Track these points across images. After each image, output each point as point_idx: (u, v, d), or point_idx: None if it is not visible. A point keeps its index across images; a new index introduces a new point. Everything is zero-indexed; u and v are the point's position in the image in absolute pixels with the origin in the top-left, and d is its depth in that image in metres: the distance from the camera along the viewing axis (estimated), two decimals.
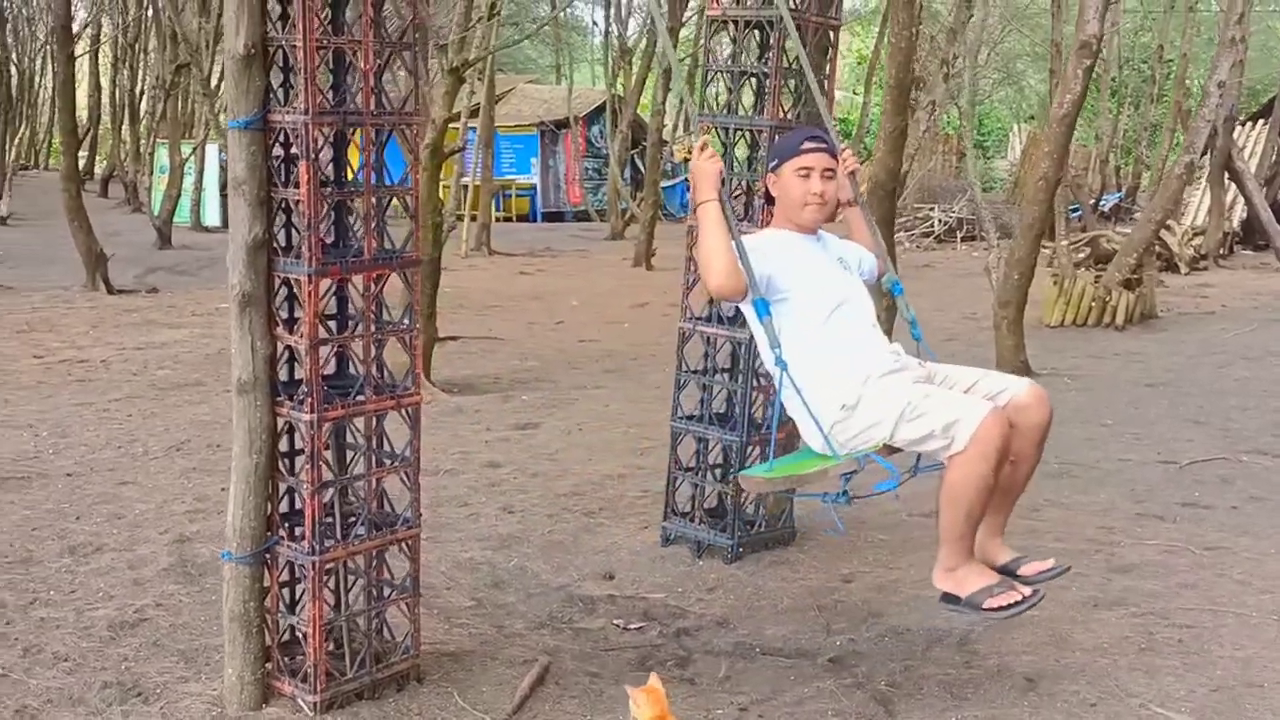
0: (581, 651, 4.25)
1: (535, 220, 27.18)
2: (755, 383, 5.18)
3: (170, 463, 6.74)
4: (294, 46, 3.35)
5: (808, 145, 3.84)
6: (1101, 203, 23.86)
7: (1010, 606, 3.53)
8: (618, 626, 4.51)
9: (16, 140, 27.91)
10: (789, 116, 5.07)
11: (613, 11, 23.20)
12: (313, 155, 3.35)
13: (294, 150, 3.47)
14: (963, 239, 20.41)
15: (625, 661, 4.18)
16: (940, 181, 22.34)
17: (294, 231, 3.57)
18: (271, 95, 3.48)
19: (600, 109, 26.08)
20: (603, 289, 15.41)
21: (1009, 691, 3.88)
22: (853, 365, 3.66)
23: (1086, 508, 5.89)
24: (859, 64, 31.72)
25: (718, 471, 5.37)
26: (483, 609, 4.65)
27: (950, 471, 3.50)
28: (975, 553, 3.64)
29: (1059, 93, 8.84)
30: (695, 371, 5.32)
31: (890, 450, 3.62)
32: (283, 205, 3.53)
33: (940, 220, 21.16)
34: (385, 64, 3.61)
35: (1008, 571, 3.69)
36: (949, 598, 3.64)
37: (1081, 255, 15.09)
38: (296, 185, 3.43)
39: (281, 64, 3.53)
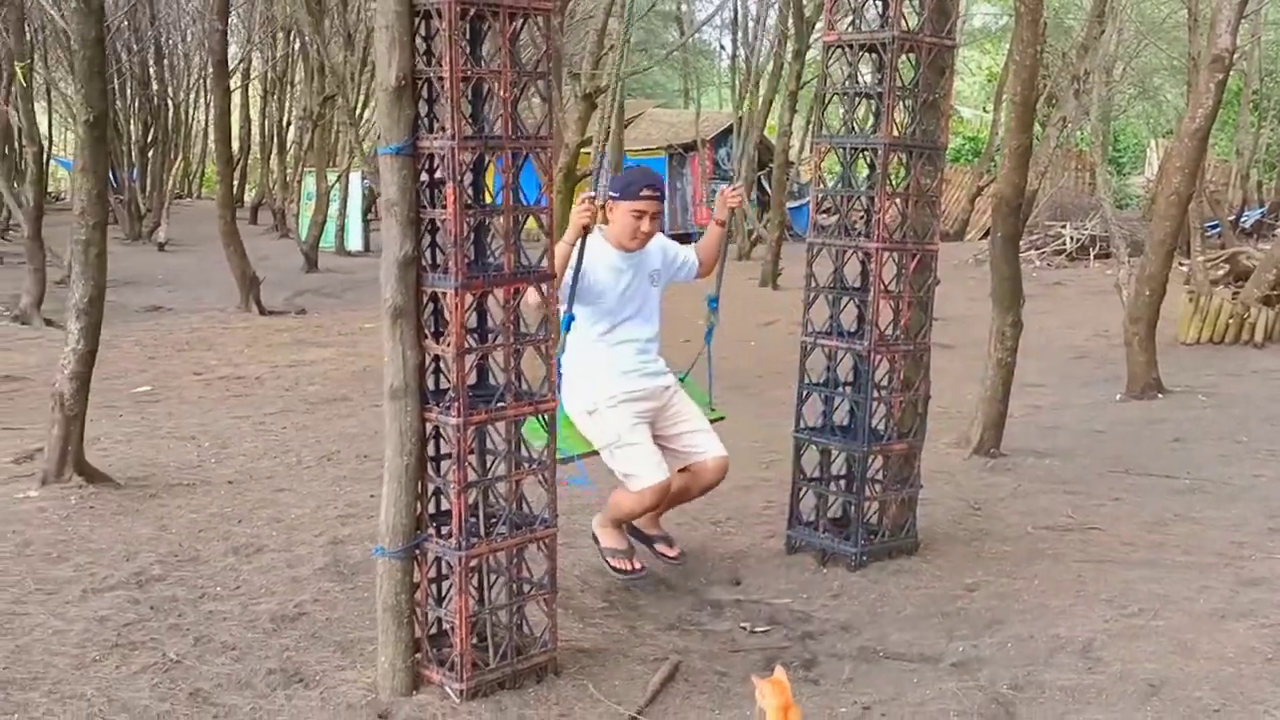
0: (710, 652, 4.42)
1: None
2: (876, 394, 5.30)
3: (322, 471, 7.14)
4: (440, 78, 3.63)
5: (645, 193, 4.78)
6: (1242, 219, 23.05)
7: (625, 572, 4.93)
8: (744, 629, 4.67)
9: (174, 170, 29.44)
10: (905, 134, 5.20)
11: (740, 36, 23.41)
12: (458, 178, 3.61)
13: (439, 174, 3.74)
14: (1095, 256, 19.96)
15: (752, 662, 4.33)
16: (1073, 199, 21.89)
17: (438, 250, 3.84)
18: (419, 123, 3.77)
19: (727, 131, 26.29)
20: (729, 308, 15.48)
21: (1131, 696, 3.90)
22: (603, 382, 4.79)
23: (1217, 522, 5.82)
24: (989, 81, 31.28)
25: (841, 482, 5.49)
26: (615, 610, 4.85)
27: (620, 491, 4.85)
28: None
29: (1191, 107, 8.68)
30: (817, 384, 5.45)
31: (595, 454, 4.83)
32: (429, 225, 3.81)
33: (1072, 238, 20.72)
34: (521, 92, 3.87)
35: (647, 541, 5.10)
36: (594, 538, 5.06)
37: (1220, 272, 14.66)
38: (443, 206, 3.70)
39: (427, 95, 3.80)
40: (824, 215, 5.88)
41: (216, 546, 5.65)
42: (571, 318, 4.72)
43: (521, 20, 3.78)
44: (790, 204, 22.96)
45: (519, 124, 3.82)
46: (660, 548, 5.10)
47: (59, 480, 6.57)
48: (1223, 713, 3.77)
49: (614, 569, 4.95)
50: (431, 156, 3.73)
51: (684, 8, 30.97)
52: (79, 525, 5.96)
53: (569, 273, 4.59)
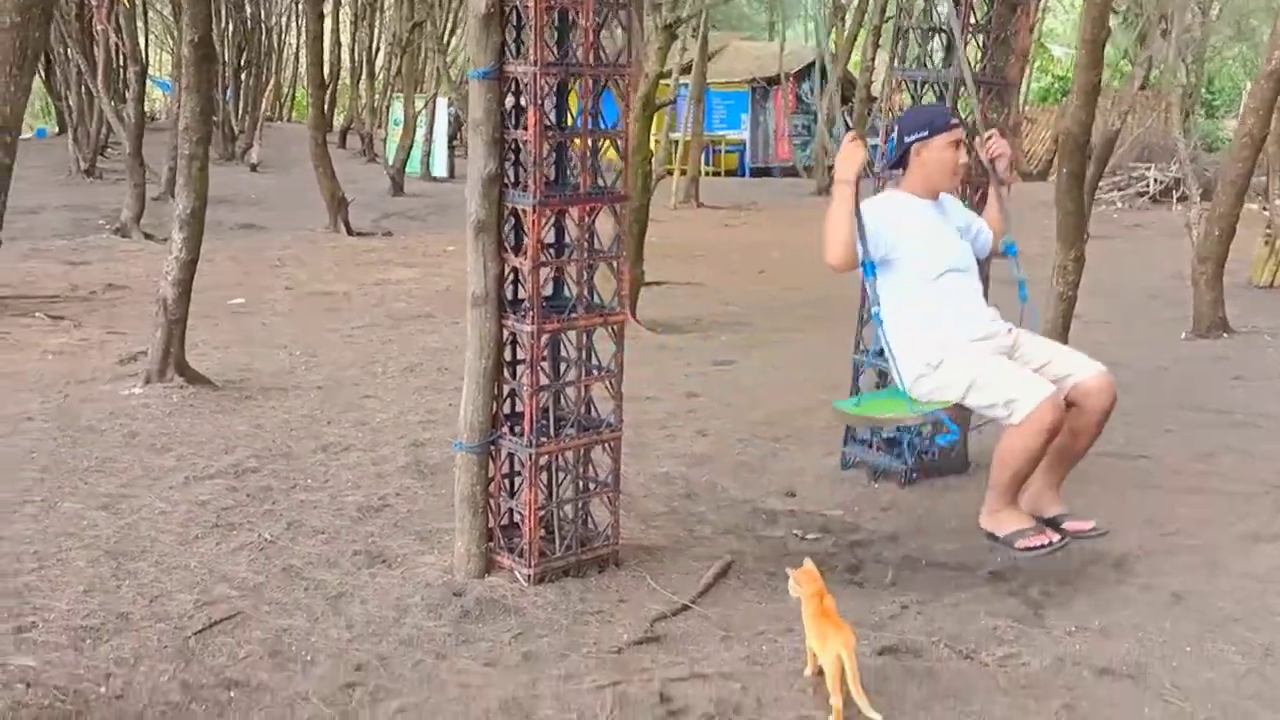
0: (762, 554, 4.73)
1: (743, 175, 27.48)
2: None
3: (405, 381, 7.55)
4: (526, 6, 3.89)
5: (955, 122, 4.35)
6: None
7: (1038, 548, 4.12)
8: (796, 536, 4.97)
9: (266, 94, 29.97)
10: (974, 70, 5.33)
11: None
12: (539, 102, 3.88)
13: (523, 98, 4.01)
14: (1178, 199, 19.67)
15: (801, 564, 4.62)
16: (1159, 140, 21.46)
17: (520, 169, 4.13)
18: (505, 50, 4.03)
19: (811, 66, 26.10)
20: (805, 241, 15.53)
21: (1155, 604, 4.15)
22: (942, 329, 4.15)
23: (1265, 455, 5.95)
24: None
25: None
26: (675, 515, 5.18)
27: (1006, 437, 4.06)
28: (1028, 503, 4.24)
29: (1269, 48, 8.62)
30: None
31: (959, 409, 4.17)
32: (512, 146, 4.09)
33: (1156, 180, 20.37)
34: (604, 21, 4.11)
35: (1053, 523, 4.23)
36: (990, 536, 4.23)
37: None
38: (525, 128, 3.98)
39: (514, 22, 4.05)
40: None
41: (307, 444, 6.07)
42: (873, 264, 4.16)
43: None
44: (872, 140, 22.86)
45: (600, 52, 4.06)
46: (1071, 525, 4.26)
47: (161, 380, 7.06)
48: (1241, 622, 3.98)
49: (1029, 549, 4.13)
50: (516, 81, 4.00)
51: None
52: (180, 421, 6.43)
53: (849, 242, 4.09)
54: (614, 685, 3.55)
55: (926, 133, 4.30)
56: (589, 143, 4.10)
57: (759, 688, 3.57)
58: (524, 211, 4.04)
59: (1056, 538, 4.12)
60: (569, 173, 4.24)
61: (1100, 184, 17.07)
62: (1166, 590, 4.27)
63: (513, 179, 4.12)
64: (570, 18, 4.08)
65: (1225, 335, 9.19)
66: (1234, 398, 7.28)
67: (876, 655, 3.73)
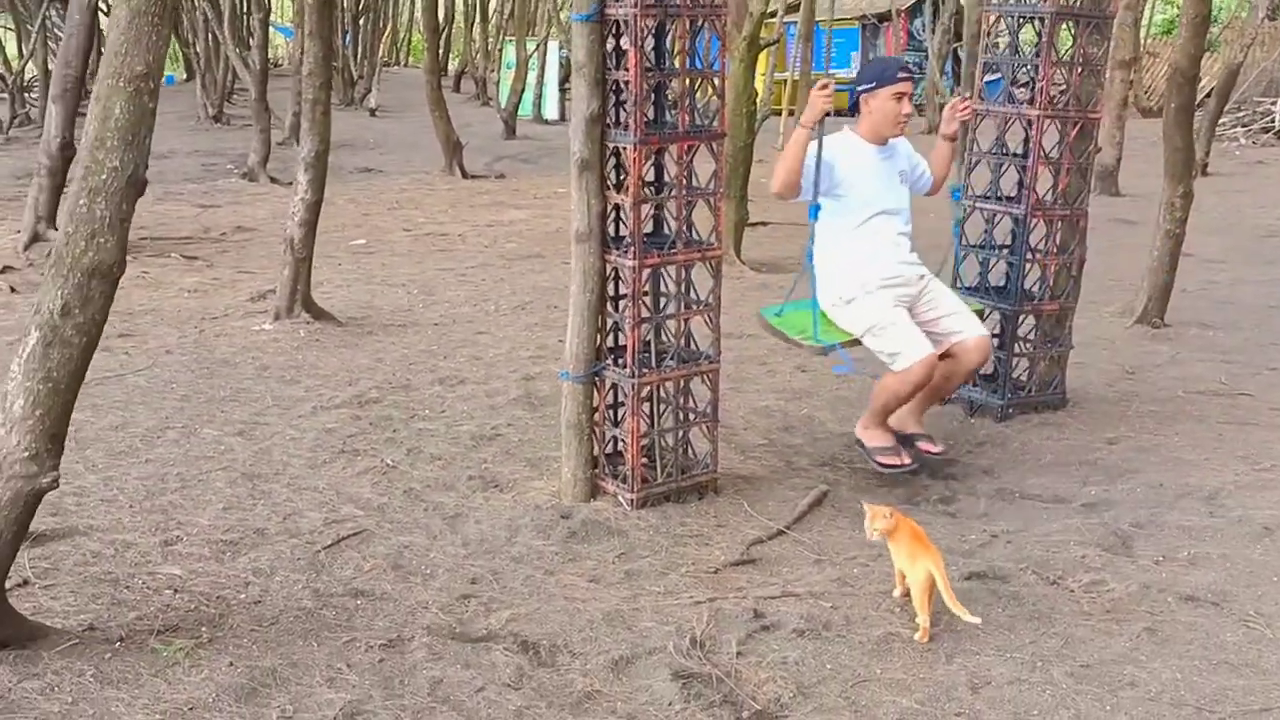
0: (856, 485, 4.87)
1: (854, 115, 27.03)
2: (1030, 256, 5.53)
3: (516, 318, 7.81)
4: None
5: (902, 75, 4.73)
6: None
7: (894, 467, 4.76)
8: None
9: (383, 39, 30.45)
10: (1072, 3, 5.30)
11: None
12: (639, 43, 4.03)
13: (623, 39, 4.16)
14: None
15: (895, 496, 4.76)
16: None
17: (621, 109, 4.28)
18: None
19: (922, 2, 25.53)
20: None
21: (1243, 536, 4.21)
22: (860, 269, 4.73)
23: None
24: None
25: (995, 340, 5.77)
26: (773, 447, 5.34)
27: (886, 376, 4.71)
28: (896, 420, 4.89)
29: None
30: (975, 246, 5.72)
31: (855, 343, 4.76)
32: (613, 86, 4.25)
33: None
34: None
35: (908, 440, 4.88)
36: (859, 443, 4.88)
37: None
38: (625, 69, 4.13)
39: None
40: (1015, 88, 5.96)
41: (424, 377, 6.37)
42: (818, 207, 4.67)
43: None
44: (987, 77, 22.33)
45: None
46: (923, 445, 4.90)
47: (289, 316, 7.43)
48: None
49: (882, 466, 4.76)
50: (617, 23, 4.15)
51: None
52: (307, 354, 6.79)
53: (809, 159, 4.56)
54: (710, 601, 3.76)
55: (875, 84, 4.74)
56: (686, 82, 4.23)
57: (848, 607, 3.74)
58: (625, 150, 4.21)
59: (908, 461, 4.77)
60: (668, 111, 4.38)
61: (1222, 120, 16.52)
62: (1257, 523, 4.32)
63: (614, 118, 4.27)
64: None
65: None
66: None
67: (964, 580, 3.87)
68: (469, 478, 4.89)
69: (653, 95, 4.28)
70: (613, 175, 4.33)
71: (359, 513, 4.52)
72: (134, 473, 4.86)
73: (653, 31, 4.17)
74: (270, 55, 30.96)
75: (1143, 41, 19.29)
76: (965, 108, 5.04)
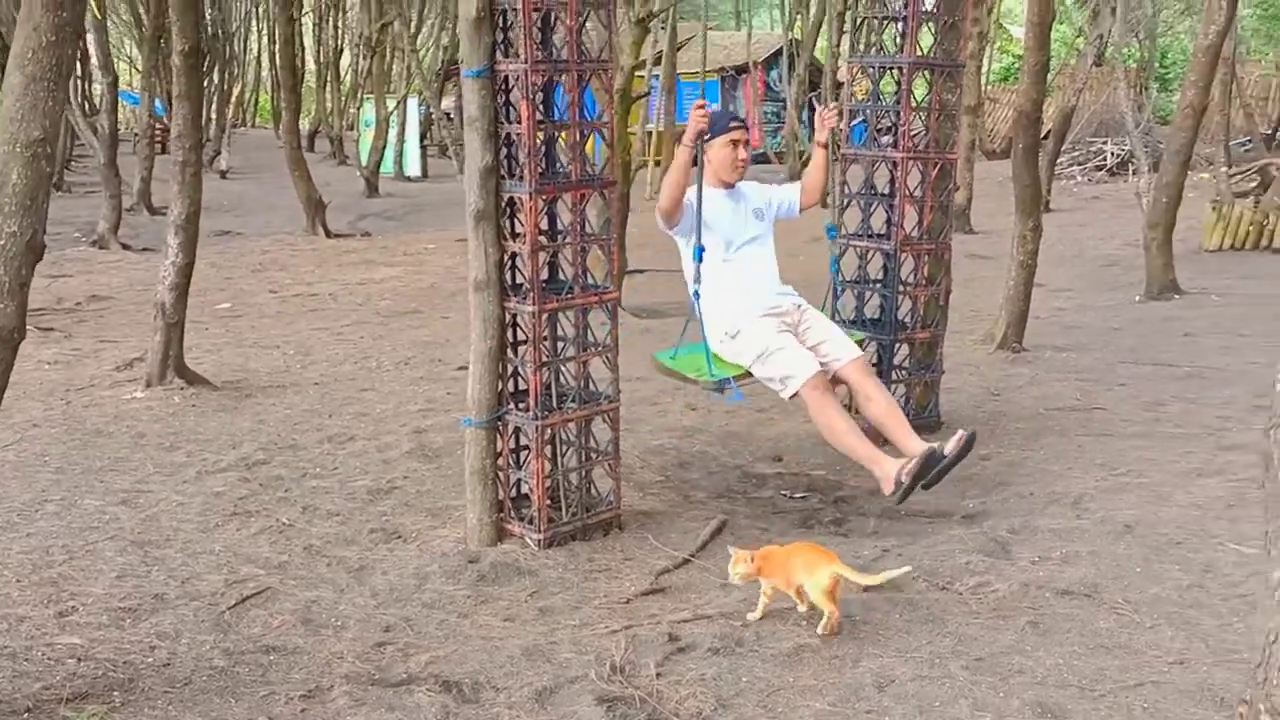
0: (753, 513, 5.06)
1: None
2: (901, 288, 5.85)
3: (400, 374, 7.81)
4: (514, 8, 4.17)
5: (734, 124, 5.06)
6: None
7: (929, 461, 4.55)
8: (785, 496, 5.30)
9: (231, 99, 29.94)
10: (927, 54, 5.69)
11: None
12: (531, 97, 4.17)
13: (514, 93, 4.30)
14: (1133, 171, 20.24)
15: (790, 521, 4.95)
16: (1114, 115, 21.95)
17: (514, 160, 4.41)
18: (496, 49, 4.31)
19: (778, 53, 26.42)
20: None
21: (1108, 534, 4.57)
22: (741, 303, 4.95)
23: (1209, 402, 6.40)
24: None
25: (875, 368, 6.03)
26: (670, 482, 5.48)
27: (811, 416, 4.81)
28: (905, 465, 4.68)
29: (1204, 24, 9.09)
30: (851, 281, 6.01)
31: (748, 375, 4.91)
32: (506, 138, 4.37)
33: (1113, 153, 20.89)
34: (585, 20, 4.40)
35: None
36: (896, 492, 4.61)
37: (1252, 185, 14.96)
38: (517, 121, 4.26)
39: (503, 23, 4.33)
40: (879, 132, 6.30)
41: (312, 436, 6.32)
42: (702, 249, 4.88)
43: None
44: (852, 122, 23.15)
45: (584, 49, 4.35)
46: (950, 447, 4.60)
47: (162, 383, 7.28)
48: (1184, 545, 4.43)
49: (919, 469, 4.54)
50: (508, 78, 4.28)
51: None
52: (185, 420, 6.67)
53: (690, 198, 4.81)
54: (626, 629, 3.87)
55: (710, 135, 4.97)
56: (577, 133, 4.39)
57: (758, 624, 3.89)
58: (520, 199, 4.33)
59: (920, 449, 4.58)
60: (559, 162, 4.53)
61: (1060, 159, 17.55)
62: (1119, 522, 4.69)
63: (508, 170, 4.40)
64: (554, 18, 4.36)
65: (1176, 297, 9.69)
66: (1182, 352, 7.75)
67: (862, 592, 4.07)
68: (370, 531, 4.89)
69: (544, 147, 4.42)
70: (509, 224, 4.44)
71: (260, 572, 4.48)
72: (15, 547, 4.70)
73: (542, 86, 4.31)
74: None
75: (984, 88, 20.33)
76: (831, 113, 5.36)
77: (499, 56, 4.28)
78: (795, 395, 4.80)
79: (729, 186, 5.12)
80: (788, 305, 5.08)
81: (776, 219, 5.36)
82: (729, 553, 3.96)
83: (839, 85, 20.34)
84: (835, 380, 4.97)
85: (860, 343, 6.01)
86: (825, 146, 5.40)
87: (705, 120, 4.75)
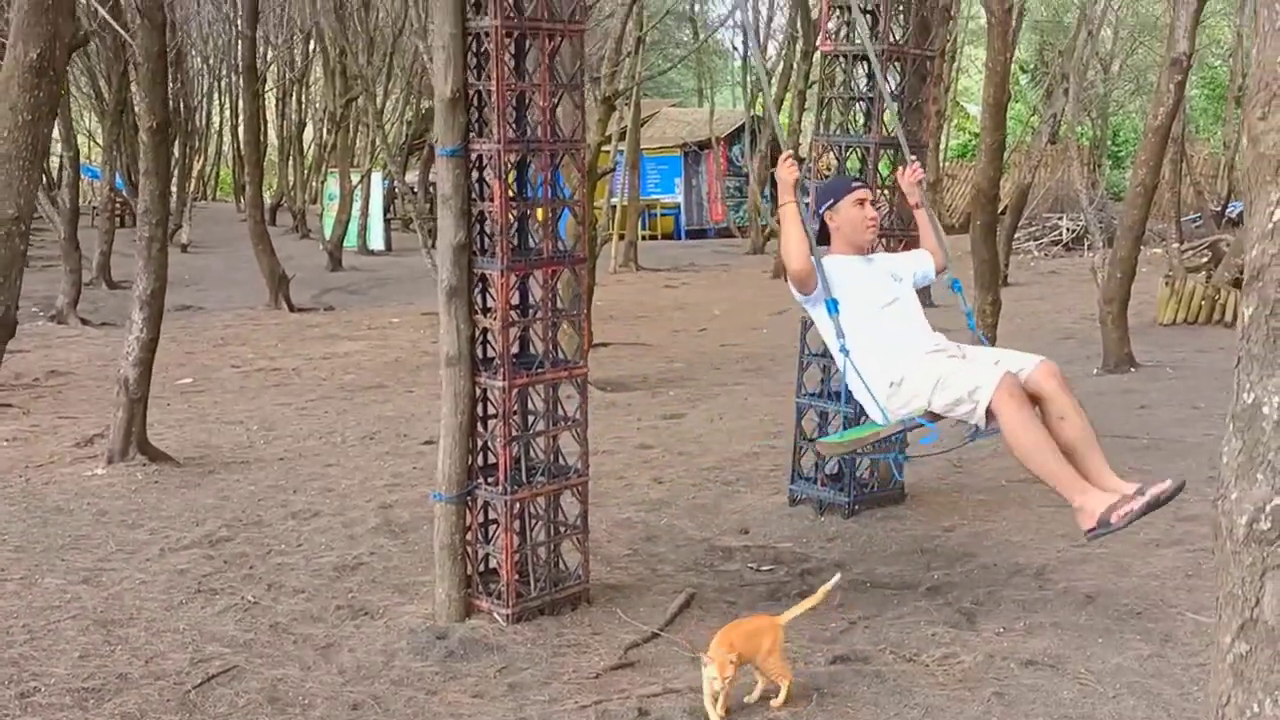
0: (721, 586, 5.07)
1: (680, 238, 28.07)
2: None
3: (366, 449, 7.78)
4: (489, 90, 4.26)
5: (856, 184, 4.76)
6: (1228, 209, 23.60)
7: (1133, 510, 3.94)
8: (752, 569, 5.32)
9: (193, 173, 29.92)
10: (891, 134, 5.85)
11: (750, 35, 24.10)
12: (503, 176, 4.25)
13: (487, 172, 4.38)
14: (1089, 247, 20.77)
15: (758, 594, 4.97)
16: (1069, 191, 22.57)
17: (486, 237, 4.47)
18: (470, 128, 4.39)
19: (740, 130, 26.87)
20: (743, 299, 16.21)
21: (1070, 605, 4.65)
22: (899, 350, 4.40)
23: (1166, 473, 6.39)
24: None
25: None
26: (638, 556, 5.49)
27: (1008, 443, 4.10)
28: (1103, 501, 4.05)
29: (1153, 105, 9.41)
30: (816, 354, 6.10)
31: (933, 415, 4.31)
32: (479, 216, 4.44)
33: (1068, 229, 21.41)
34: (558, 101, 4.50)
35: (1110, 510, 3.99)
36: (1093, 532, 4.02)
37: (1203, 259, 15.37)
38: (490, 199, 4.34)
39: (477, 104, 4.42)
40: None
41: (276, 512, 6.28)
42: (835, 300, 4.40)
43: (560, 39, 4.40)
44: (804, 200, 23.49)
45: (556, 128, 4.45)
46: (1152, 491, 3.99)
47: (124, 459, 7.21)
48: (1144, 615, 4.52)
49: (1127, 516, 3.96)
50: (481, 157, 4.36)
51: (697, 8, 31.56)
52: (147, 497, 6.60)
53: (807, 244, 4.36)
54: (595, 704, 3.86)
55: (833, 200, 4.67)
56: (549, 211, 4.47)
57: (726, 696, 3.88)
58: (492, 276, 4.39)
59: (1141, 495, 3.98)
60: (530, 239, 4.60)
61: (1017, 234, 17.94)
62: (1080, 592, 4.77)
63: (480, 246, 4.46)
64: (528, 98, 4.46)
65: (1132, 370, 9.90)
66: (1139, 424, 7.90)
67: (830, 664, 4.12)
68: (336, 608, 4.86)
69: (516, 224, 4.49)
70: (480, 300, 4.49)
71: (225, 650, 4.43)
72: None
73: (514, 165, 4.39)
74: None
75: (942, 165, 20.80)
76: (914, 170, 4.84)
77: (473, 136, 4.36)
78: (989, 417, 4.10)
79: (862, 252, 4.65)
80: (945, 343, 4.51)
81: (919, 281, 4.80)
82: (702, 660, 3.78)
83: (800, 160, 20.79)
84: (1031, 396, 4.18)
85: (824, 414, 6.11)
86: (920, 206, 4.92)
87: (795, 171, 4.41)
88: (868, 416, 4.57)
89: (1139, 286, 10.54)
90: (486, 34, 4.21)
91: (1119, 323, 9.84)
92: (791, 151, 4.38)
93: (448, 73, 4.22)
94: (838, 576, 4.16)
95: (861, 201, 4.64)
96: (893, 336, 4.46)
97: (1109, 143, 26.85)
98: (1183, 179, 16.62)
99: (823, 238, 4.64)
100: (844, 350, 4.34)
